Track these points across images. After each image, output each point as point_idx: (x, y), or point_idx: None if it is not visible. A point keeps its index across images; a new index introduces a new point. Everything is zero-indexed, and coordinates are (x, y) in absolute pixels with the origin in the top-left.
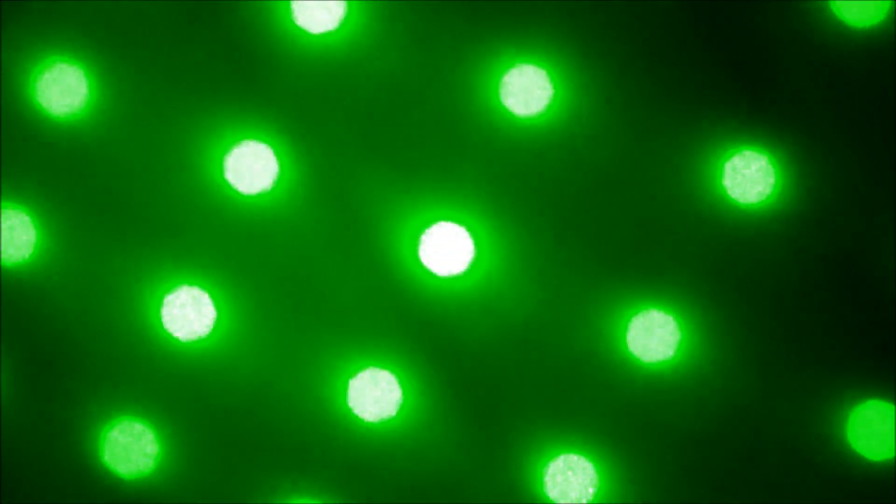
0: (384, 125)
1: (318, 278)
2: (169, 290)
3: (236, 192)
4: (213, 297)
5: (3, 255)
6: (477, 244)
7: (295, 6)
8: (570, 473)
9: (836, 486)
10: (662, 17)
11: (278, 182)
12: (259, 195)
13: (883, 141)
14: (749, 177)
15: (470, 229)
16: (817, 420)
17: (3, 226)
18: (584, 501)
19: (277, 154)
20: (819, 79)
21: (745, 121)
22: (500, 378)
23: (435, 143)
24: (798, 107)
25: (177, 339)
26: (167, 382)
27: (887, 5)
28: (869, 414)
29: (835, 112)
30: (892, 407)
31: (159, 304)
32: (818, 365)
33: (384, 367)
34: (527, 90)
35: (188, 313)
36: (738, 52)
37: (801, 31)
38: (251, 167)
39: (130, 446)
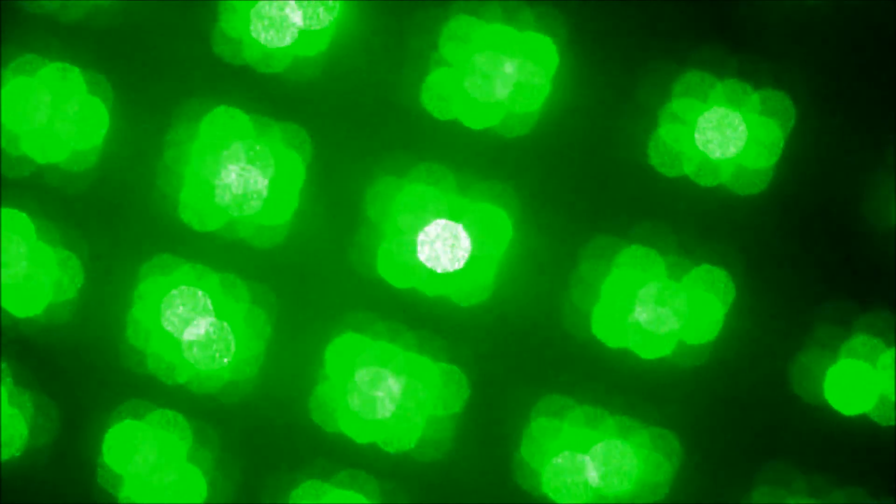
0: (378, 123)
1: (317, 278)
2: (172, 296)
3: (233, 194)
4: (213, 300)
5: (2, 265)
6: (474, 241)
7: (287, 8)
8: (573, 468)
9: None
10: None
11: (274, 184)
12: (256, 196)
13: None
14: (727, 133)
15: (467, 226)
16: (796, 377)
17: (2, 234)
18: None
19: (274, 155)
20: (795, 31)
21: (725, 80)
22: (500, 374)
23: (431, 141)
24: (775, 59)
25: (180, 344)
26: (169, 388)
27: None
28: (846, 372)
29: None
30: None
31: (162, 310)
32: (806, 322)
33: (383, 364)
34: (521, 83)
35: (192, 317)
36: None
37: None
38: (248, 170)
39: (135, 452)
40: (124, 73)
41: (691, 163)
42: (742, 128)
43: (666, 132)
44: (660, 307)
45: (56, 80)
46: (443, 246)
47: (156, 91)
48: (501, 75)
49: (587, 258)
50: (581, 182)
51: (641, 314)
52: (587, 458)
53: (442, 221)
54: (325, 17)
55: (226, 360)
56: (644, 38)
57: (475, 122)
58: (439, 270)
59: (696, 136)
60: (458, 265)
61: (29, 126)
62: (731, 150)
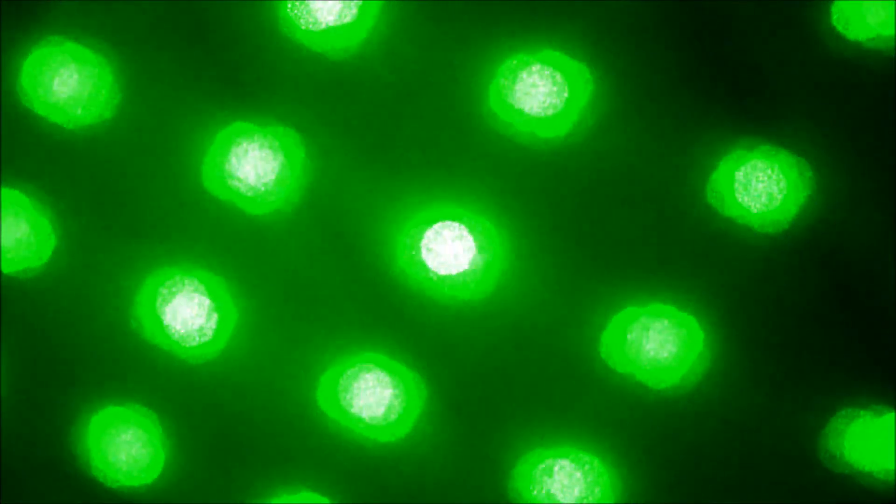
0: (387, 123)
1: (319, 278)
2: (170, 293)
3: (237, 192)
4: (213, 298)
5: (3, 258)
6: (479, 244)
7: (295, 5)
8: (567, 477)
9: (830, 497)
10: (668, 22)
11: (279, 181)
12: (260, 195)
13: (884, 147)
14: (755, 184)
15: (472, 229)
16: (812, 430)
17: (3, 230)
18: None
19: (278, 153)
20: (822, 87)
21: (753, 129)
22: (501, 379)
23: (437, 142)
24: (802, 114)
25: (177, 341)
26: (168, 386)
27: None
28: (863, 426)
29: (836, 119)
30: (892, 417)
31: (160, 307)
32: (817, 374)
33: (384, 368)
34: (531, 89)
35: (190, 315)
36: (745, 60)
37: (805, 41)
38: (252, 167)
39: (132, 450)
40: (134, 65)
41: (707, 200)
42: (762, 175)
43: (691, 166)
44: (668, 340)
45: (61, 70)
46: (447, 249)
47: (163, 87)
48: (514, 81)
49: (593, 268)
50: (587, 192)
51: (645, 336)
52: (579, 466)
53: (448, 224)
54: (333, 15)
55: (219, 359)
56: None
57: (485, 125)
58: (443, 274)
59: (714, 175)
60: (462, 269)
61: (35, 123)
62: (751, 195)
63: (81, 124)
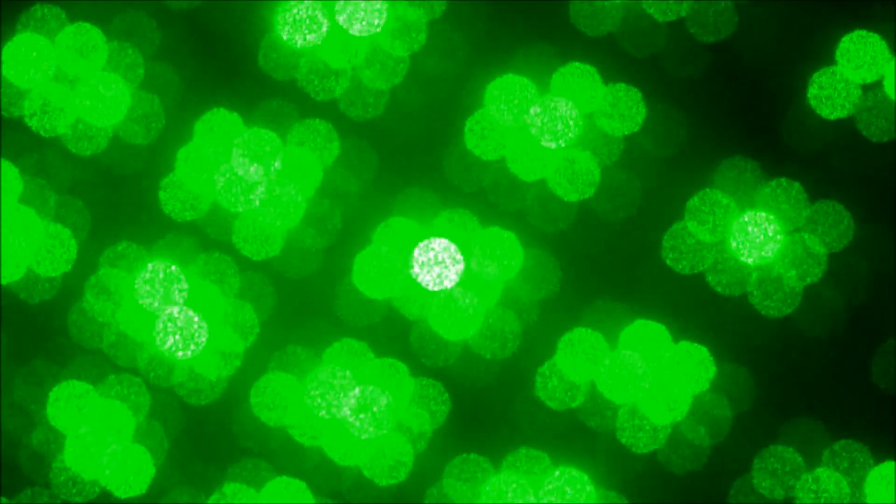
0: (379, 137)
1: (309, 293)
2: (161, 305)
3: (230, 203)
4: (205, 311)
5: (2, 265)
6: (468, 260)
7: (291, 16)
8: (559, 495)
9: None
10: (682, 74)
11: (270, 195)
12: (251, 208)
13: (890, 199)
14: (755, 234)
15: (462, 245)
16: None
17: (2, 236)
18: None
19: (270, 165)
20: (829, 140)
21: (756, 179)
22: (492, 395)
23: (432, 157)
24: (806, 167)
25: (168, 353)
26: (161, 400)
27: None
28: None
29: (845, 171)
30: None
31: (150, 317)
32: (820, 411)
33: (375, 383)
34: (527, 106)
35: (182, 327)
36: (753, 109)
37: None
38: (245, 179)
39: (122, 466)
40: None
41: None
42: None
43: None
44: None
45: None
46: (437, 264)
47: (158, 92)
48: (504, 95)
49: (585, 286)
50: (582, 212)
51: (635, 353)
52: (570, 484)
53: (437, 240)
54: (327, 27)
55: (191, 350)
56: None
57: (477, 140)
58: (433, 289)
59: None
60: (452, 284)
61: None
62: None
63: (78, 126)
